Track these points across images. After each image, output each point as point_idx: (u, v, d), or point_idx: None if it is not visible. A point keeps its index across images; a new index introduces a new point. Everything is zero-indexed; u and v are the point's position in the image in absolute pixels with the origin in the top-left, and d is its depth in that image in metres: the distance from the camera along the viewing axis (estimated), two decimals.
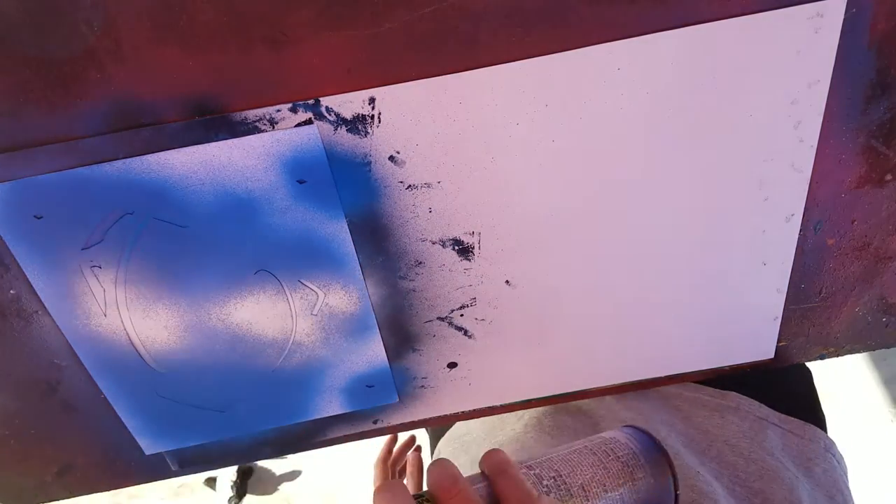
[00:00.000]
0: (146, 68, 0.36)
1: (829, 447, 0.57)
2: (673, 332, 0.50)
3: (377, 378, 0.50)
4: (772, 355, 0.53)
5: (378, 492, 0.32)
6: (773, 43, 0.37)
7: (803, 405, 0.61)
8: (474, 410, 0.54)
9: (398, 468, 0.89)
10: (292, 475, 1.85)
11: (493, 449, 0.37)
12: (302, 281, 0.45)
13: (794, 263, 0.47)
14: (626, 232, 0.44)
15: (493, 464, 0.36)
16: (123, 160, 0.39)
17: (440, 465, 0.34)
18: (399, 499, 0.31)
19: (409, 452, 0.90)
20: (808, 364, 0.67)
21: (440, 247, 0.44)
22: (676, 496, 0.38)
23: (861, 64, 0.39)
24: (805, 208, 0.44)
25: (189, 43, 0.36)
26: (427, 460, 0.86)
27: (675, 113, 0.39)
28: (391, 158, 0.40)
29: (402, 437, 0.92)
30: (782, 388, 0.61)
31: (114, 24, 0.35)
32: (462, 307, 0.47)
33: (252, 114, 0.38)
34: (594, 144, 0.40)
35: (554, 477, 0.36)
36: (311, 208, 0.42)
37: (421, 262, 0.45)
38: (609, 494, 0.37)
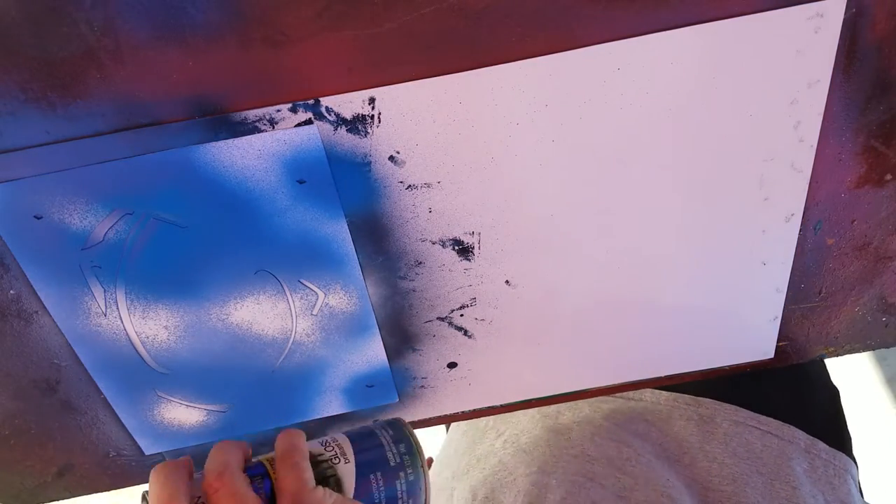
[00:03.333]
0: (146, 68, 0.36)
1: (811, 447, 0.57)
2: (672, 331, 0.50)
3: (377, 378, 0.50)
4: (772, 355, 0.53)
5: (155, 471, 0.31)
6: (773, 43, 0.37)
7: (821, 425, 0.59)
8: (474, 410, 0.54)
9: None
10: None
11: (287, 431, 0.36)
12: (302, 281, 0.45)
13: (794, 263, 0.47)
14: (626, 232, 0.44)
15: (282, 450, 0.34)
16: (123, 160, 0.39)
17: (218, 450, 0.33)
18: (170, 484, 0.31)
19: None
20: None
21: (440, 247, 0.44)
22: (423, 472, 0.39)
23: (861, 64, 0.39)
24: (805, 208, 0.44)
25: (189, 43, 0.36)
26: None
27: (674, 113, 0.39)
28: (391, 158, 0.40)
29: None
30: (802, 406, 0.60)
31: (114, 24, 0.35)
32: (462, 307, 0.47)
33: (252, 114, 0.38)
34: (594, 144, 0.40)
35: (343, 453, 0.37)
36: (311, 208, 0.42)
37: (421, 262, 0.45)
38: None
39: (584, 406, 0.57)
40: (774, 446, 0.55)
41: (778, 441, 0.55)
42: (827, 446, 0.57)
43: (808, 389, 0.63)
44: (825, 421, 0.61)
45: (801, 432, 0.56)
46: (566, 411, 0.57)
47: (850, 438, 0.62)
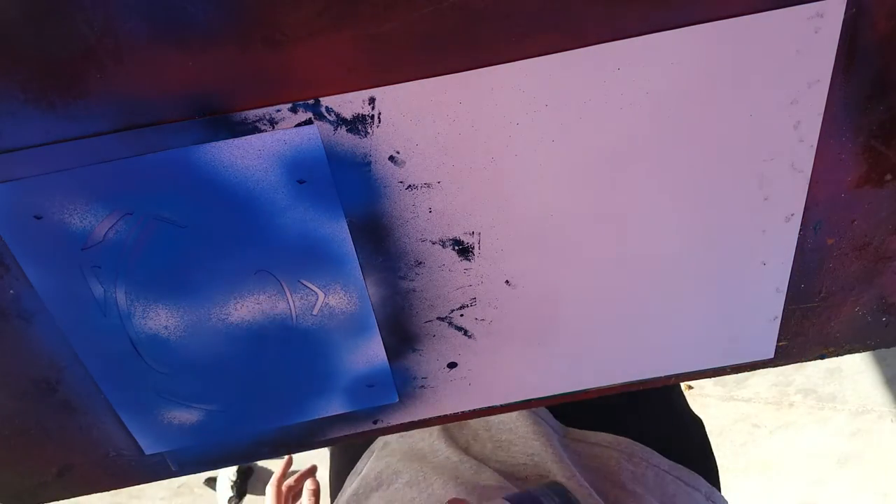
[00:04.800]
0: (146, 68, 0.36)
1: (710, 495, 0.61)
2: (673, 331, 0.50)
3: (377, 378, 0.50)
4: (772, 355, 0.53)
5: None
6: (773, 43, 0.37)
7: (694, 455, 0.65)
8: (474, 410, 0.54)
9: (293, 493, 0.86)
10: (292, 475, 1.85)
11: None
12: (302, 281, 0.45)
13: (794, 263, 0.47)
14: (626, 232, 0.44)
15: None
16: (123, 160, 0.39)
17: None
18: None
19: (307, 480, 0.86)
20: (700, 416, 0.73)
21: (440, 247, 0.44)
22: None
23: (861, 64, 0.39)
24: (805, 208, 0.44)
25: (189, 43, 0.36)
26: (324, 485, 0.84)
27: (674, 113, 0.39)
28: (391, 158, 0.40)
29: (302, 462, 0.90)
30: (678, 437, 0.66)
31: (114, 24, 0.35)
32: (462, 307, 0.47)
33: (252, 114, 0.38)
34: (594, 144, 0.40)
35: None
36: (311, 208, 0.42)
37: (421, 262, 0.45)
38: None
39: None
40: (686, 493, 0.61)
41: (684, 487, 0.60)
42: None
43: (677, 422, 0.69)
44: (695, 450, 0.67)
45: (702, 480, 0.62)
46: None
47: (716, 469, 0.67)
